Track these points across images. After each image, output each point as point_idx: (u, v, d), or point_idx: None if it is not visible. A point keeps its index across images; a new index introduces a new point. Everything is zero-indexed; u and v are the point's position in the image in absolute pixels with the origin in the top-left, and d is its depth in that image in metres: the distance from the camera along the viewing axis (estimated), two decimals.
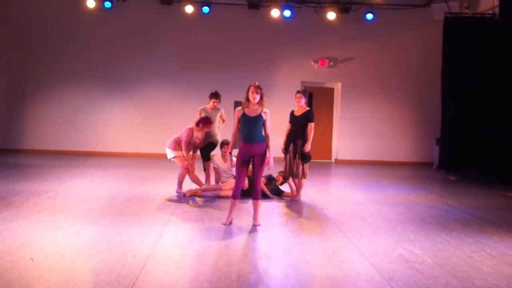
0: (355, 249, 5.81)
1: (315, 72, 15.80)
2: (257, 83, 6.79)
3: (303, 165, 8.71)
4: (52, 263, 4.91)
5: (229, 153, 7.26)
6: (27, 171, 11.45)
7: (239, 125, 6.79)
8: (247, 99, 6.72)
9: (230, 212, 6.87)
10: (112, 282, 4.45)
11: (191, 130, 8.93)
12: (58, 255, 5.14)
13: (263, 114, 6.71)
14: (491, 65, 12.33)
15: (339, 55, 15.81)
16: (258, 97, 6.69)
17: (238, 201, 6.89)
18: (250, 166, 6.90)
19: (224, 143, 9.21)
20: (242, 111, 6.75)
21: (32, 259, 4.97)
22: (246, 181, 8.05)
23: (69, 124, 15.45)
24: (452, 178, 12.86)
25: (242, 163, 6.77)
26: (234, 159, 7.14)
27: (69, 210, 7.37)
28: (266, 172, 7.69)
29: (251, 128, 6.69)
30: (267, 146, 6.79)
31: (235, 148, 7.09)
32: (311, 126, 8.67)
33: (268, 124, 6.76)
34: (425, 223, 7.30)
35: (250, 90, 6.70)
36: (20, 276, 4.52)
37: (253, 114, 6.71)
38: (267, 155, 6.78)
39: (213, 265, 5.04)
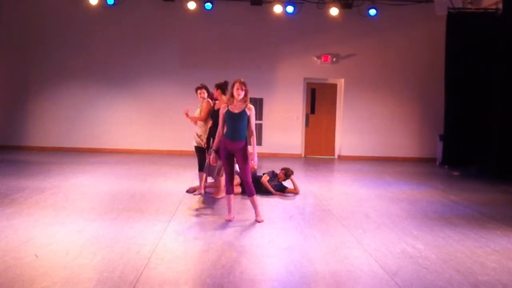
0: (358, 245, 5.81)
1: (318, 68, 15.76)
2: (242, 80, 6.72)
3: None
4: (56, 259, 4.92)
5: (214, 150, 7.10)
6: (30, 168, 11.46)
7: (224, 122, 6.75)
8: (232, 95, 6.68)
9: (230, 208, 6.88)
10: (116, 278, 4.45)
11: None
12: (62, 252, 5.15)
13: (247, 110, 6.67)
14: (494, 60, 12.27)
15: (342, 51, 15.76)
16: (242, 93, 6.63)
17: (233, 195, 6.91)
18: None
19: None
20: (226, 108, 6.72)
21: (36, 255, 4.99)
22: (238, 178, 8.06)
23: (72, 121, 15.45)
24: (455, 173, 12.84)
25: (225, 158, 6.78)
26: None
27: (72, 206, 7.38)
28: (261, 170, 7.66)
29: (234, 125, 6.66)
30: (250, 143, 6.78)
31: None
32: None
33: (252, 120, 6.72)
34: (428, 219, 7.29)
35: (235, 87, 6.63)
36: (23, 272, 4.53)
37: (237, 110, 6.66)
38: (251, 151, 6.77)
39: (217, 261, 5.04)
